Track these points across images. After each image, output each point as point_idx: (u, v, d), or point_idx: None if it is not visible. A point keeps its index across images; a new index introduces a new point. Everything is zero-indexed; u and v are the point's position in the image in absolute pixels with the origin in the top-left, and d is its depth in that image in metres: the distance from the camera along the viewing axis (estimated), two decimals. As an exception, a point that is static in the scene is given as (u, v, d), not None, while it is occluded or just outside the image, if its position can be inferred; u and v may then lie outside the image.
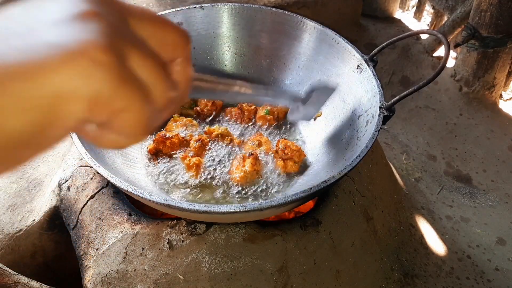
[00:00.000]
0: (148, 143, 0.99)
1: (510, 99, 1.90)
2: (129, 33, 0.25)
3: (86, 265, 0.92)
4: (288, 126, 1.08)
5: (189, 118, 1.05)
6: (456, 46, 1.68)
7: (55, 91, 0.21)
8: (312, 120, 1.05)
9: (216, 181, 0.92)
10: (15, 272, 0.87)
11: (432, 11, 2.29)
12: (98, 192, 0.98)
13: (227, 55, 1.15)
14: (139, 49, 0.24)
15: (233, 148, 0.99)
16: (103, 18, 0.23)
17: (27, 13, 0.22)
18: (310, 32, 1.04)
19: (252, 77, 1.15)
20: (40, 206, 1.10)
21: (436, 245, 1.24)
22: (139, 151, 0.99)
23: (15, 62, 0.20)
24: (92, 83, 0.21)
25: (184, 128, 1.03)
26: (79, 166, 1.05)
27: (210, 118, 1.07)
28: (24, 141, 0.21)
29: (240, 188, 0.91)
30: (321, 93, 0.89)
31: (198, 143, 0.96)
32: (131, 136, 0.25)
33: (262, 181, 0.92)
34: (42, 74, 0.20)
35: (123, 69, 0.22)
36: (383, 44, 0.89)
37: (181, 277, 0.84)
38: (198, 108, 1.07)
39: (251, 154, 0.92)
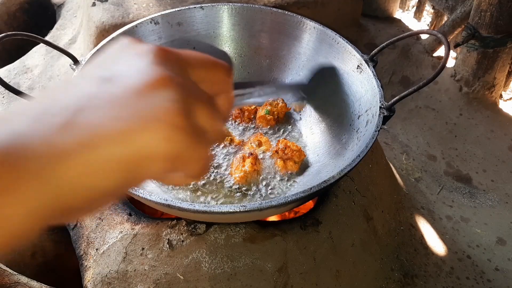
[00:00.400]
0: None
1: (510, 99, 1.90)
2: (192, 87, 0.27)
3: (86, 265, 0.92)
4: (288, 126, 1.08)
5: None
6: (456, 46, 1.68)
7: (140, 153, 0.24)
8: (310, 120, 1.05)
9: (216, 181, 0.92)
10: (15, 272, 0.87)
11: (432, 11, 2.29)
12: (98, 192, 0.98)
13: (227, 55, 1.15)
14: (201, 101, 0.27)
15: (233, 148, 0.99)
16: (174, 84, 0.25)
17: (108, 81, 0.25)
18: (310, 32, 1.04)
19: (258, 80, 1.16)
20: (40, 206, 1.10)
21: (436, 245, 1.24)
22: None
23: (108, 129, 0.23)
24: (171, 145, 0.24)
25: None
26: (79, 166, 1.05)
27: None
28: (111, 194, 0.25)
29: (240, 188, 0.91)
30: (322, 74, 0.91)
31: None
32: (195, 175, 0.28)
33: (262, 181, 0.92)
34: (130, 139, 0.23)
35: (193, 127, 0.26)
36: (383, 44, 0.89)
37: (181, 277, 0.84)
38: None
39: (251, 154, 0.92)
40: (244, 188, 0.91)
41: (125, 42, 0.28)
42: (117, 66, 0.26)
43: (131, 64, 0.26)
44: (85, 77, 0.26)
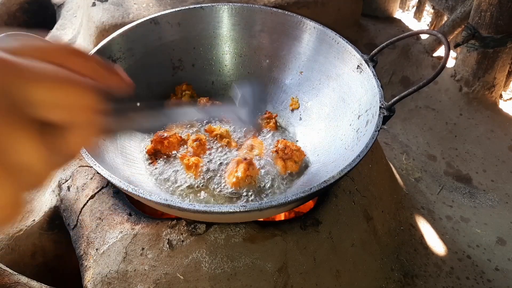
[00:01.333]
0: (146, 143, 0.99)
1: (510, 99, 1.90)
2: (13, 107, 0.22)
3: (86, 265, 0.92)
4: (288, 126, 1.07)
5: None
6: (456, 46, 1.68)
7: None
8: (310, 120, 1.05)
9: (215, 180, 0.92)
10: (15, 272, 0.87)
11: (432, 11, 2.29)
12: (98, 192, 0.98)
13: (227, 55, 1.15)
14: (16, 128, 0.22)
15: (230, 150, 0.99)
16: None
17: None
18: (310, 32, 1.04)
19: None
20: (40, 206, 1.10)
21: (436, 245, 1.24)
22: (139, 151, 0.99)
23: None
24: None
25: (184, 127, 1.03)
26: (79, 166, 1.05)
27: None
28: None
29: (236, 192, 0.91)
30: (246, 92, 0.83)
31: (196, 142, 0.96)
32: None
33: (261, 181, 0.92)
34: None
35: None
36: (383, 44, 0.89)
37: (181, 277, 0.84)
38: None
39: (245, 159, 0.92)
40: (243, 188, 0.91)
41: None
42: None
43: None
44: None
